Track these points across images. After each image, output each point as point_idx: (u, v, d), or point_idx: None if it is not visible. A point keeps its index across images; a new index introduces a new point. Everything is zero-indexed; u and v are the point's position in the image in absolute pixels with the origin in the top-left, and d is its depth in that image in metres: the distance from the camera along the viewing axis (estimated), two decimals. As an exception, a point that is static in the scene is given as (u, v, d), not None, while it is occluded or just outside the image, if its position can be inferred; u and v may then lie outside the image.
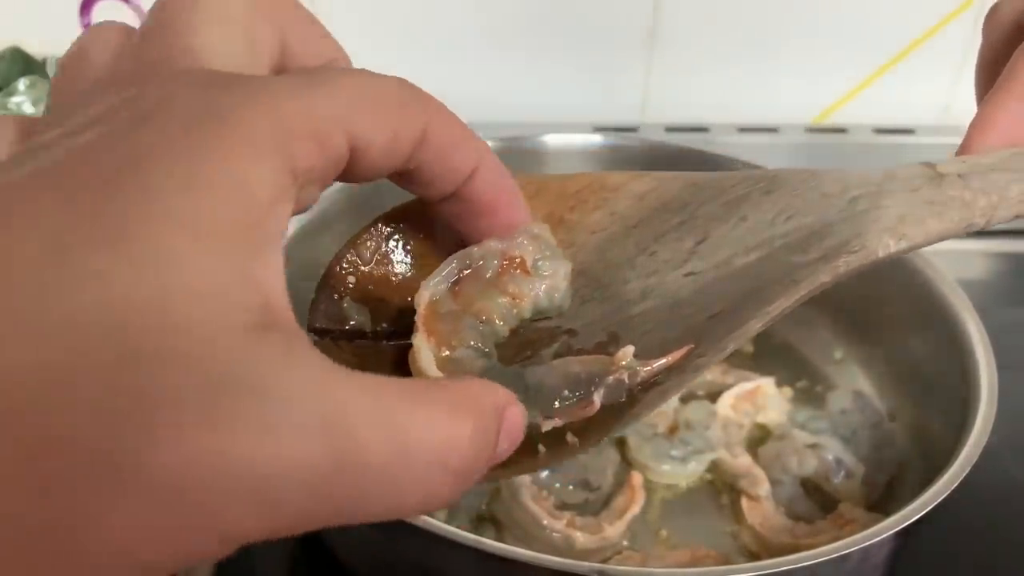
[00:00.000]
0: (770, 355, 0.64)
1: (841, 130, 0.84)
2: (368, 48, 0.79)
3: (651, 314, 0.32)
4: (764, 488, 0.52)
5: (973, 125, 0.33)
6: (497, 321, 0.30)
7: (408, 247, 0.32)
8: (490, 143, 0.62)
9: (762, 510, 0.51)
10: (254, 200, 0.18)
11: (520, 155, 0.62)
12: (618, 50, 0.81)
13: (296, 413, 0.17)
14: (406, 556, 0.44)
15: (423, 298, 0.29)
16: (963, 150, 0.33)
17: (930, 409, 0.54)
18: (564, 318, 0.32)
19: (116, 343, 0.16)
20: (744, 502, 0.52)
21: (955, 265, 0.58)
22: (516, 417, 0.22)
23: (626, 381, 0.27)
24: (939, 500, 0.41)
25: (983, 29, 0.37)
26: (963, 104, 0.85)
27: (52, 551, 0.16)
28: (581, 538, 0.48)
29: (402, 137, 0.22)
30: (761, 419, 0.58)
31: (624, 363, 0.28)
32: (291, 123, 0.19)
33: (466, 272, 0.30)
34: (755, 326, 0.29)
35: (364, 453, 0.18)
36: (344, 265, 0.31)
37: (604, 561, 0.48)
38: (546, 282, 0.31)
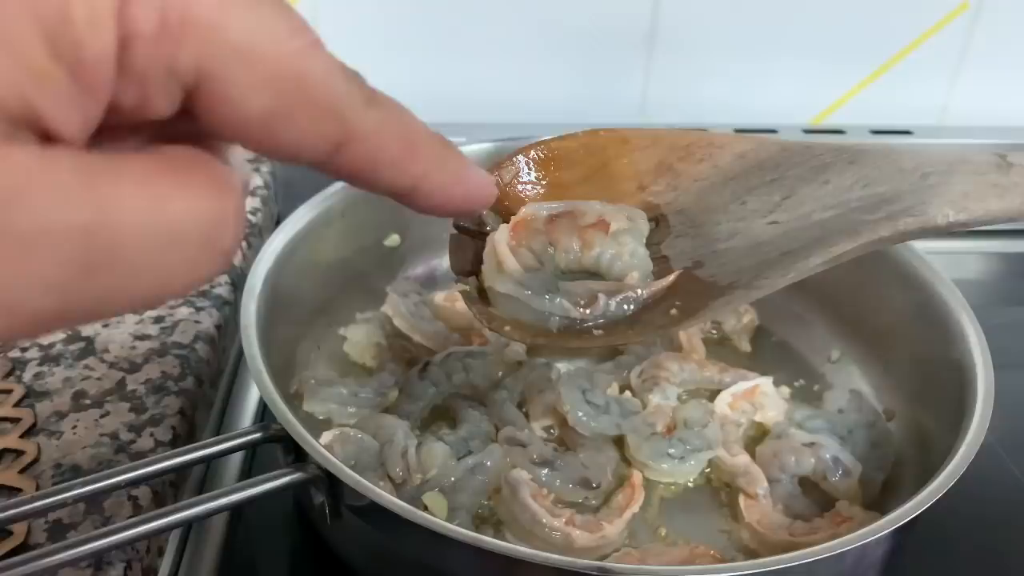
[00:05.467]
0: (768, 354, 0.64)
1: (839, 131, 0.85)
2: (365, 48, 0.80)
3: (734, 250, 0.38)
4: (762, 486, 0.52)
5: None
6: (561, 252, 0.39)
7: (537, 176, 0.41)
8: (489, 143, 0.63)
9: (760, 508, 0.51)
10: None
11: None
12: (618, 50, 0.81)
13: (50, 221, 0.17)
14: (406, 554, 0.44)
15: (523, 210, 0.39)
16: None
17: (927, 408, 0.54)
18: (659, 246, 0.40)
19: None
20: (742, 500, 0.52)
21: (952, 265, 0.58)
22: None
23: (632, 296, 0.37)
24: (936, 498, 0.41)
25: None
26: (960, 105, 0.85)
27: None
28: (580, 537, 0.48)
29: None
30: (759, 418, 0.58)
31: (632, 283, 0.38)
32: None
33: (566, 212, 0.39)
34: (816, 262, 0.35)
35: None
36: None
37: (602, 558, 0.48)
38: (614, 250, 0.38)
